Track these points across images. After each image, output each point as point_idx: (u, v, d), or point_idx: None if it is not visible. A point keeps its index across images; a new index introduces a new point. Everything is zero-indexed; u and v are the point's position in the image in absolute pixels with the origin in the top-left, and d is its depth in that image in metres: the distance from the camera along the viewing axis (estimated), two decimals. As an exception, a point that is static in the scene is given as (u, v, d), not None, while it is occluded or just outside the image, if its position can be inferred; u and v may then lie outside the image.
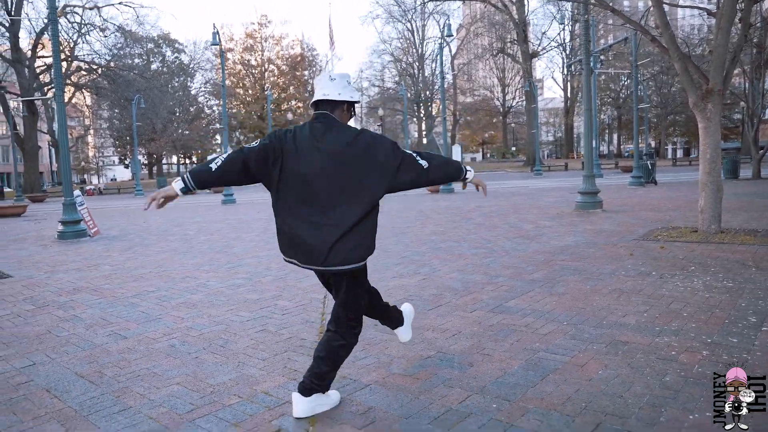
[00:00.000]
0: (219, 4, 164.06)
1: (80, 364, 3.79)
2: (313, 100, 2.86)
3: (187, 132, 59.83)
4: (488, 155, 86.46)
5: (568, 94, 64.74)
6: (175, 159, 72.11)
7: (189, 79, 65.22)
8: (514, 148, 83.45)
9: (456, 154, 51.24)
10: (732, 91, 22.82)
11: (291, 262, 2.90)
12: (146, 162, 67.10)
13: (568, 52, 58.67)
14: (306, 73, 71.95)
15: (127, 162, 67.18)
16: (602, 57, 29.75)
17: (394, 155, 2.76)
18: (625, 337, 3.77)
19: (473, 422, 2.66)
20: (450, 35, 21.44)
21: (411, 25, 62.85)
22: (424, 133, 64.36)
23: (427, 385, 3.11)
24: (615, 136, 74.35)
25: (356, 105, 3.01)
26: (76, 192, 11.95)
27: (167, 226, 13.25)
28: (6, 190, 44.19)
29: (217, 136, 62.40)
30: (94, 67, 44.65)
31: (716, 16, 8.48)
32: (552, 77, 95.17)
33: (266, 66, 68.58)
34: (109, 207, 23.99)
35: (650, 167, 20.83)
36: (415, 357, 3.59)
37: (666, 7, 8.71)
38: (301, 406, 2.79)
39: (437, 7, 56.13)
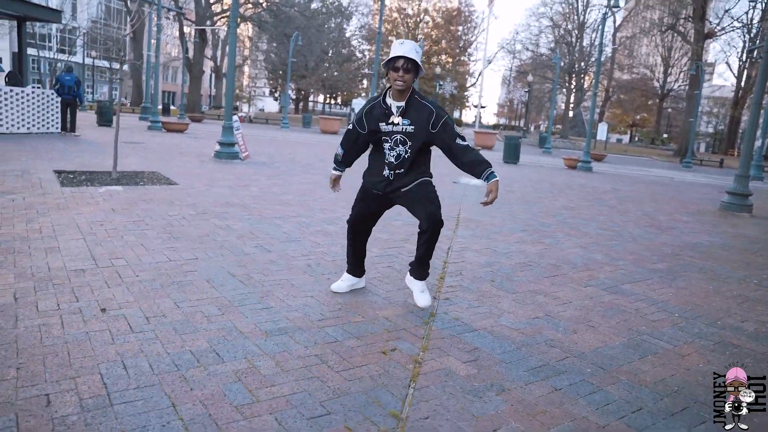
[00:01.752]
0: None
1: (232, 265, 4.45)
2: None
3: (336, 73, 61.92)
4: (636, 139, 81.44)
5: (742, 84, 58.81)
6: (321, 98, 75.02)
7: (345, 21, 67.02)
8: (666, 135, 77.88)
9: (602, 133, 48.83)
10: None
11: None
12: (294, 97, 70.40)
13: (752, 34, 53.01)
14: (460, 28, 71.13)
15: (276, 95, 70.89)
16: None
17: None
18: (737, 341, 3.79)
19: (565, 379, 2.93)
20: (617, 6, 20.35)
21: (577, -12, 59.75)
22: (572, 105, 61.83)
23: (530, 341, 3.41)
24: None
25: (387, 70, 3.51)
26: (235, 117, 13.10)
27: (312, 160, 14.19)
28: (171, 107, 48.57)
29: (365, 81, 64.00)
30: (260, 0, 47.22)
31: None
32: (726, 62, 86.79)
33: (422, 16, 68.58)
34: (258, 135, 25.77)
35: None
36: (524, 315, 3.87)
37: None
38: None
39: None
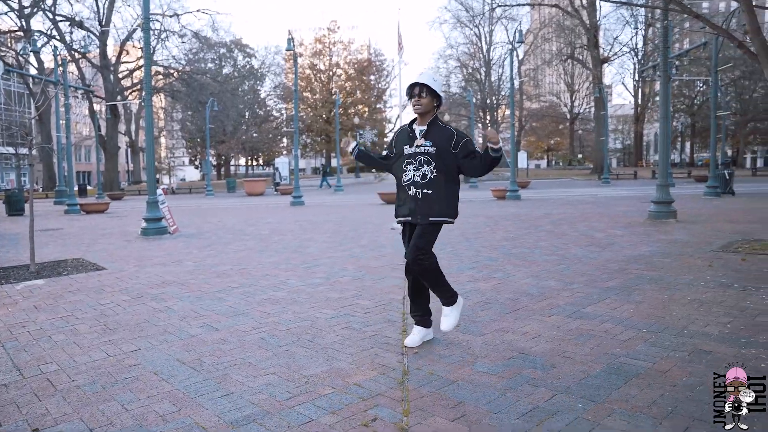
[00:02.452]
0: (289, 9, 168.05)
1: (180, 351, 4.09)
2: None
3: (255, 134, 61.65)
4: (553, 162, 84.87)
5: (639, 101, 62.78)
6: (243, 161, 74.30)
7: (258, 82, 67.26)
8: (580, 155, 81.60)
9: (522, 161, 50.54)
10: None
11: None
12: (215, 163, 69.43)
13: (640, 57, 56.99)
14: (372, 77, 72.78)
15: (197, 163, 69.71)
16: (677, 62, 28.84)
17: None
18: (708, 347, 3.77)
19: (560, 419, 2.77)
20: (521, 41, 21.31)
21: (478, 30, 62.62)
22: (488, 138, 63.83)
23: (512, 384, 3.23)
24: (688, 145, 71.57)
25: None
26: (159, 191, 12.62)
27: (241, 226, 13.79)
28: (88, 188, 46.70)
29: (284, 139, 63.95)
30: (171, 71, 46.78)
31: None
32: (622, 83, 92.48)
33: (334, 70, 69.86)
34: (183, 206, 25.04)
35: (728, 177, 20.05)
36: (498, 357, 3.71)
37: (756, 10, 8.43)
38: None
39: (505, 12, 55.71)
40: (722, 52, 28.77)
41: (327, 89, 67.93)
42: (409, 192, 3.89)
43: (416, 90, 3.86)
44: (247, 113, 62.09)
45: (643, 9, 53.34)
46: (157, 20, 41.63)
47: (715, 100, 21.38)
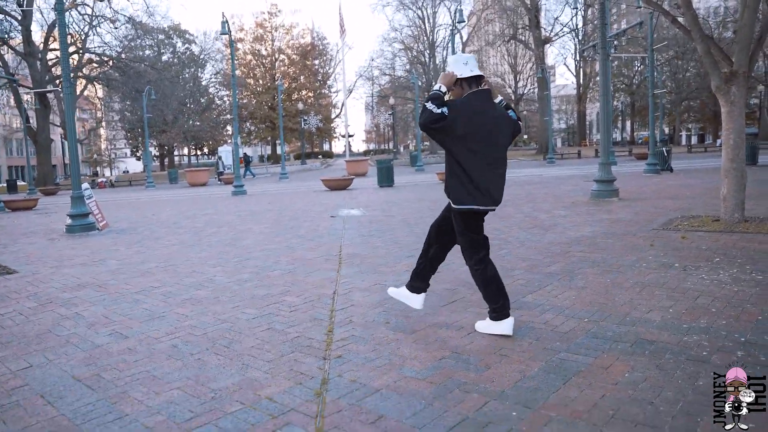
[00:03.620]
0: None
1: (78, 366, 3.62)
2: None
3: (198, 123, 59.84)
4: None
5: (581, 81, 63.88)
6: (186, 150, 72.22)
7: (200, 69, 65.18)
8: (525, 136, 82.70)
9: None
10: (752, 75, 22.38)
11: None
12: (158, 154, 67.24)
13: (580, 37, 57.84)
14: (316, 62, 71.62)
15: (139, 154, 67.36)
16: (616, 42, 29.27)
17: None
18: (651, 336, 3.55)
19: (492, 433, 2.46)
20: (461, 21, 21.08)
21: (422, 12, 62.18)
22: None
23: (441, 390, 2.92)
24: (628, 123, 73.42)
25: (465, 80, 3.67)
26: (85, 185, 11.86)
27: (177, 218, 13.14)
28: (20, 183, 44.38)
29: (228, 127, 62.37)
30: (105, 59, 44.70)
31: (740, -5, 8.14)
32: (564, 63, 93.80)
33: (277, 56, 68.40)
34: (120, 199, 23.97)
35: (666, 154, 20.43)
36: (428, 358, 3.39)
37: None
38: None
39: (448, -7, 55.49)
40: (657, 32, 29.34)
41: (270, 75, 66.44)
42: None
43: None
44: (189, 101, 60.13)
45: (582, -10, 54.15)
46: (87, 4, 39.69)
47: (652, 78, 21.72)
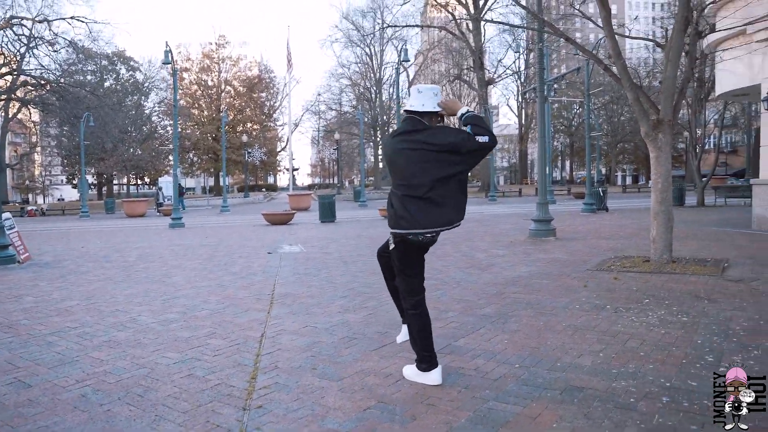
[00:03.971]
0: (177, 23, 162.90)
1: (-30, 421, 3.30)
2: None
3: (139, 152, 58.31)
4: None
5: (523, 121, 66.00)
6: (126, 179, 70.12)
7: (143, 97, 63.84)
8: (469, 174, 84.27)
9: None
10: (678, 122, 23.63)
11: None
12: (95, 182, 65.00)
13: (522, 80, 59.95)
14: (263, 95, 71.38)
15: (75, 182, 64.92)
16: (555, 86, 30.42)
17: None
18: (580, 382, 3.52)
19: (412, 494, 2.33)
20: (407, 60, 21.46)
21: (369, 49, 63.12)
22: (380, 157, 64.39)
23: (363, 446, 2.77)
24: (567, 163, 76.01)
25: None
26: (6, 214, 11.22)
27: (107, 252, 12.57)
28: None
29: (171, 157, 61.03)
30: (43, 82, 43.18)
31: (665, 49, 8.55)
32: (507, 104, 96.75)
33: (223, 87, 67.80)
34: (50, 229, 22.88)
35: (602, 194, 21.11)
36: (353, 408, 3.24)
37: (617, 38, 8.72)
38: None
39: (396, 32, 56.63)
40: (593, 78, 30.67)
41: (216, 106, 65.66)
42: None
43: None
44: (131, 129, 58.61)
45: (524, 35, 56.33)
46: (24, 25, 38.39)
47: (588, 121, 22.56)
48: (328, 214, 20.29)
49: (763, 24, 10.75)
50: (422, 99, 3.53)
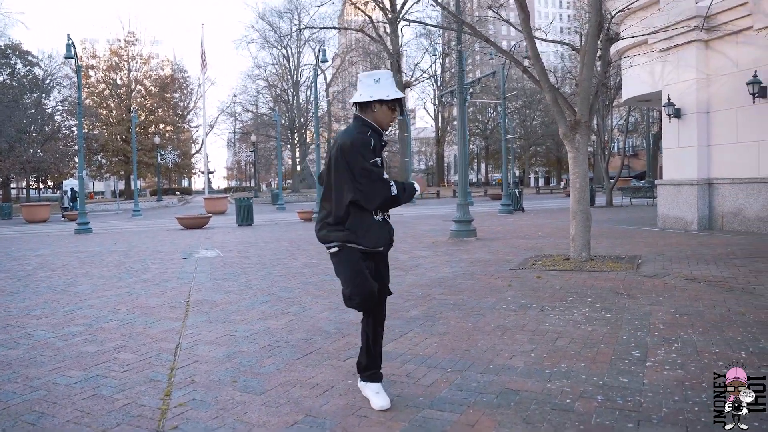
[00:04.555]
0: (81, 17, 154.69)
1: None
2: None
3: (40, 153, 54.65)
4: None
5: (439, 125, 67.15)
6: (26, 183, 65.61)
7: (44, 95, 59.90)
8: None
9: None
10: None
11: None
12: (-10, 185, 60.39)
13: (439, 83, 60.96)
14: (176, 95, 68.90)
15: (-34, 186, 60.04)
16: (471, 89, 31.08)
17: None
18: (515, 384, 3.42)
19: None
20: (324, 61, 21.21)
21: (286, 51, 62.19)
22: (298, 159, 63.65)
23: (291, 467, 2.53)
24: (483, 165, 78.03)
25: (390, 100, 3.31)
26: None
27: (1, 261, 11.54)
28: None
29: (76, 159, 57.66)
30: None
31: (580, 53, 8.78)
32: (424, 108, 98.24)
33: (133, 86, 64.81)
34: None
35: (518, 195, 21.68)
36: (279, 424, 2.98)
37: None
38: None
39: (313, 34, 56.14)
40: (508, 83, 31.58)
41: (125, 106, 62.63)
42: (380, 217, 3.40)
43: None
44: (31, 129, 54.81)
45: (440, 39, 57.37)
46: None
47: (504, 124, 23.12)
48: (245, 217, 19.71)
49: (662, 35, 11.34)
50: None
